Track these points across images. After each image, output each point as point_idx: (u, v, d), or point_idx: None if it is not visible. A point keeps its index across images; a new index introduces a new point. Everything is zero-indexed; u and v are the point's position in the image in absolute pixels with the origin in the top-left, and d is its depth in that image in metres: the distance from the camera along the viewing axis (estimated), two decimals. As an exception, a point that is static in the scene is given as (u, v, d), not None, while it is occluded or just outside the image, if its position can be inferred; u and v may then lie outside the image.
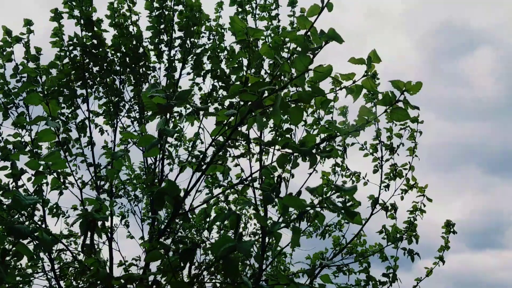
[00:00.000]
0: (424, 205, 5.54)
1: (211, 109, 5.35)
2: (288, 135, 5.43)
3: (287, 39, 2.28)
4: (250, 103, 2.13)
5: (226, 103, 5.78)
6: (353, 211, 2.14)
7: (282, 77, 2.34)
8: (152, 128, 8.48)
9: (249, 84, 2.12)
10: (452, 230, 5.56)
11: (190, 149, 6.12)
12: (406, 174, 5.50)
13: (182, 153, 8.60)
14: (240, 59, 2.49)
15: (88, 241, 2.58)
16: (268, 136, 6.67)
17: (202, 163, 2.59)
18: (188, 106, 5.34)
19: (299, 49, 1.97)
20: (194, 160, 5.13)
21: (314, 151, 2.19)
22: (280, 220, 2.29)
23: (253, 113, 2.34)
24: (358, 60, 2.18)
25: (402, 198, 5.51)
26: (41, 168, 2.80)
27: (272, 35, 5.79)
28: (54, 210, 5.34)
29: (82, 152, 5.51)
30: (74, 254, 4.47)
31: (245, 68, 3.02)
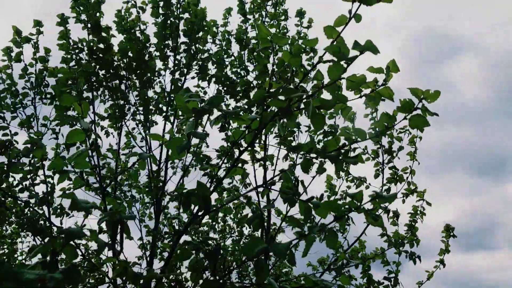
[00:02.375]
0: (424, 209, 5.65)
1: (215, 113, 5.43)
2: (290, 138, 5.56)
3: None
4: (278, 109, 2.21)
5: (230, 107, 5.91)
6: (376, 215, 2.23)
7: (303, 84, 2.41)
8: (156, 131, 8.49)
9: (273, 90, 2.19)
10: (452, 234, 5.68)
11: (196, 151, 6.18)
12: (407, 178, 5.59)
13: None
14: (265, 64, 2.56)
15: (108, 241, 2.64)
16: (272, 140, 6.74)
17: (225, 165, 2.67)
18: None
19: (328, 57, 2.05)
20: (205, 164, 5.20)
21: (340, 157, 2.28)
22: (312, 223, 2.35)
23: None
24: (376, 69, 2.25)
25: (403, 201, 5.61)
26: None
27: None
28: (58, 210, 5.38)
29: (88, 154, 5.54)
30: (85, 255, 4.53)
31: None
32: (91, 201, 2.62)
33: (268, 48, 2.33)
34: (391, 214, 5.41)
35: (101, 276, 4.23)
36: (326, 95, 2.32)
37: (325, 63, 2.03)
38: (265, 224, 5.90)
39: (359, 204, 2.23)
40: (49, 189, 4.86)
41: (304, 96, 2.13)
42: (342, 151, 2.39)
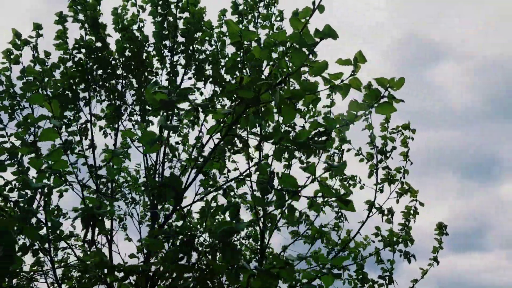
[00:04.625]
0: (416, 209, 5.66)
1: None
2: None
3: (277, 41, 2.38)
4: (247, 99, 2.25)
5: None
6: (346, 199, 2.27)
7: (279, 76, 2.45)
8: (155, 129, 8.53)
9: (244, 83, 2.23)
10: (445, 232, 5.70)
11: (191, 151, 6.22)
12: (401, 178, 5.62)
13: (184, 157, 8.72)
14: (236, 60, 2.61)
15: (89, 237, 2.69)
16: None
17: (199, 160, 2.70)
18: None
19: (295, 45, 2.09)
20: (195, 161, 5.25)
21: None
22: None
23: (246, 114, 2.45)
24: (345, 61, 2.32)
25: (397, 201, 5.63)
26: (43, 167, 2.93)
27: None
28: (55, 212, 5.42)
29: (84, 154, 5.62)
30: (76, 253, 4.55)
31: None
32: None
33: (238, 43, 2.37)
34: (386, 212, 5.45)
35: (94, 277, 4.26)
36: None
37: (288, 52, 2.07)
38: (260, 223, 5.93)
39: (313, 177, 2.27)
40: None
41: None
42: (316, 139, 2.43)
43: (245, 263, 2.18)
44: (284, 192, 2.32)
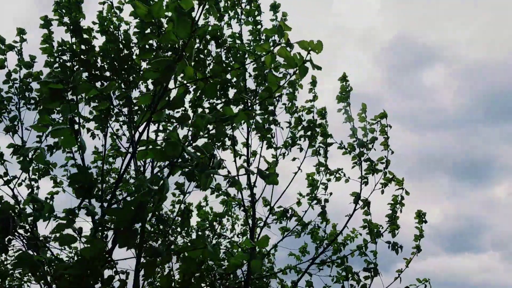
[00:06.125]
0: (403, 198, 5.59)
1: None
2: (269, 135, 5.61)
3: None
4: (152, 80, 2.23)
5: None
6: (266, 173, 2.24)
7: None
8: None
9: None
10: (424, 219, 5.62)
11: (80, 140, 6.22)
12: (384, 168, 5.55)
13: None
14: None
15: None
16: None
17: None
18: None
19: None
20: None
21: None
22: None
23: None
24: (270, 30, 2.36)
25: (382, 192, 5.58)
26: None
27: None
28: (47, 214, 5.46)
29: (72, 156, 5.68)
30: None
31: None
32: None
33: (151, 23, 2.36)
34: (362, 204, 5.38)
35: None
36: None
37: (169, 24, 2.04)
38: (250, 220, 5.91)
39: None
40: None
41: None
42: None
43: (160, 249, 2.14)
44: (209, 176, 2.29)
